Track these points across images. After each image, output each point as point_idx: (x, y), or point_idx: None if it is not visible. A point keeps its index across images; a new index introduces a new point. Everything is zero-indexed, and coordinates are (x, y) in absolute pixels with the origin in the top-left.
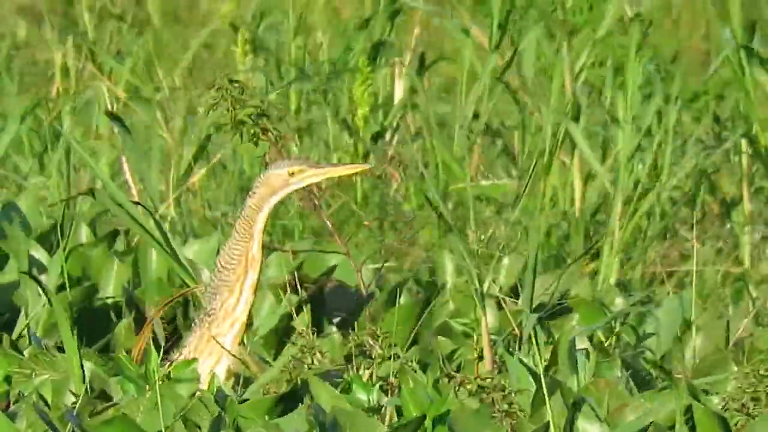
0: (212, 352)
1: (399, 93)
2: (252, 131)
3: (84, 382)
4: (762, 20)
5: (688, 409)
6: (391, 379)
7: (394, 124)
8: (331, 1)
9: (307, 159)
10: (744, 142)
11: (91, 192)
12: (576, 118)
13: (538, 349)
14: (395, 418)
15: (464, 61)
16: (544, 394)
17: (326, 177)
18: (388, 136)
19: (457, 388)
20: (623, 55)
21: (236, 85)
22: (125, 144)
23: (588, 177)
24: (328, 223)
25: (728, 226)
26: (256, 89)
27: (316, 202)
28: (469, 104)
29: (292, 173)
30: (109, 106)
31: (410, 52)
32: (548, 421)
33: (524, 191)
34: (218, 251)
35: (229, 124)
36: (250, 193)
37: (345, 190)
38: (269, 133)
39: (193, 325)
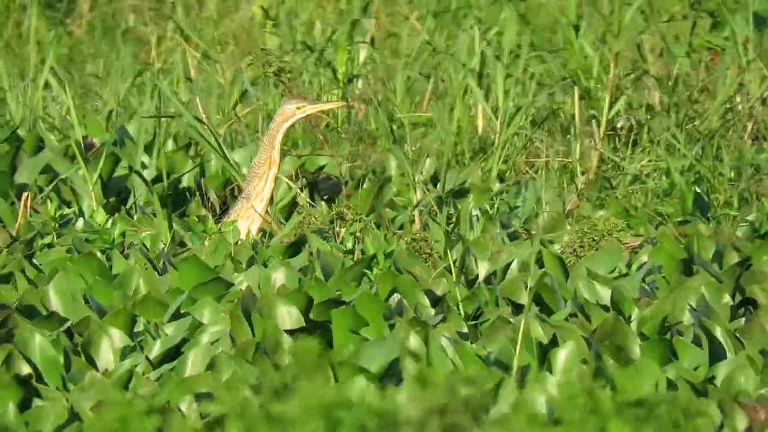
0: (248, 217)
1: (363, 55)
2: (275, 81)
3: (170, 236)
4: None
5: (539, 253)
6: (358, 233)
7: (360, 76)
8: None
9: (306, 98)
10: (576, 90)
11: (175, 115)
12: (479, 75)
13: (447, 216)
14: (360, 256)
15: (404, 38)
16: (451, 243)
17: (319, 110)
18: (360, 82)
19: (398, 239)
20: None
21: (266, 51)
22: (195, 88)
23: (482, 110)
24: (320, 137)
25: (567, 137)
26: (277, 54)
27: (316, 124)
28: (410, 61)
29: (298, 107)
30: (188, 64)
31: (373, 29)
32: (454, 260)
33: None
34: (251, 157)
35: (261, 76)
36: (271, 120)
37: (331, 116)
38: (286, 82)
39: (235, 201)
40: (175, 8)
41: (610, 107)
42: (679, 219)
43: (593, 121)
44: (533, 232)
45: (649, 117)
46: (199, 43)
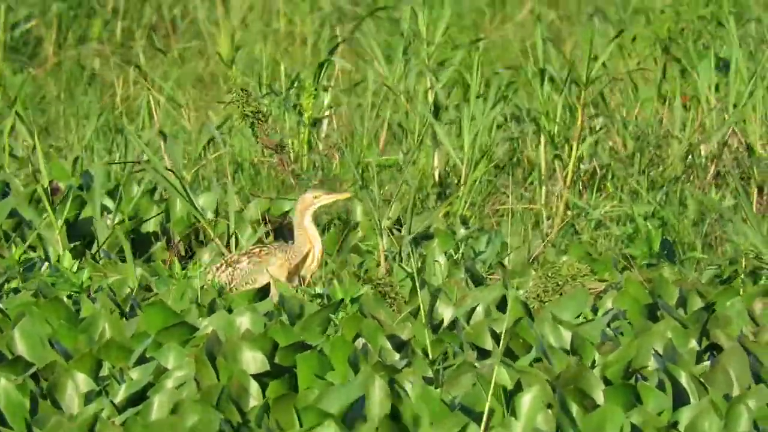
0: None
1: (326, 101)
2: (250, 121)
3: (136, 280)
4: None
5: (504, 297)
6: (325, 278)
7: (326, 120)
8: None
9: (323, 188)
10: (541, 133)
11: (140, 162)
12: (437, 114)
13: (413, 261)
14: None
15: (369, 81)
16: (416, 288)
17: (333, 200)
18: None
19: (364, 283)
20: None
21: (245, 92)
22: (162, 134)
23: (447, 154)
24: (292, 179)
25: (532, 183)
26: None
27: (286, 168)
28: (374, 108)
29: (315, 197)
30: (153, 108)
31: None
32: (419, 305)
33: (406, 163)
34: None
35: (239, 118)
36: (293, 210)
37: (299, 161)
38: (260, 122)
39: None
40: (140, 53)
41: (575, 152)
42: (645, 262)
43: (557, 164)
44: (498, 277)
45: (612, 163)
46: (164, 86)
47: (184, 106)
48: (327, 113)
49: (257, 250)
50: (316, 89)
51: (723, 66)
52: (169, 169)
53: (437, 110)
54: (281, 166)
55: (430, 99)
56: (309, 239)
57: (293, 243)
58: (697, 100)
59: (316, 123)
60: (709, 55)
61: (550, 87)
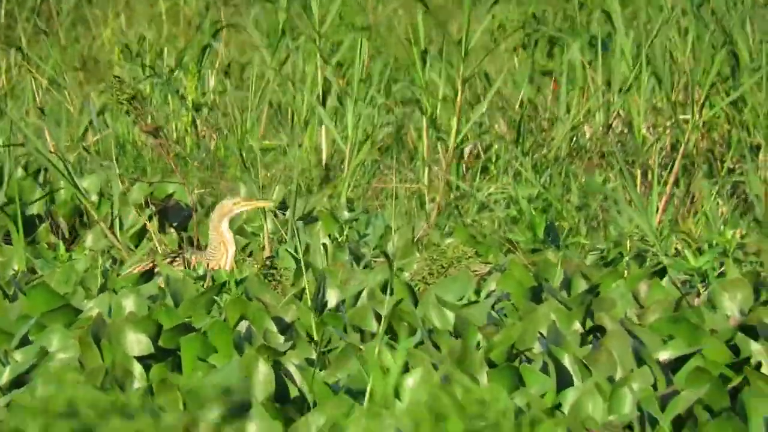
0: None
1: (211, 83)
2: (127, 108)
3: (23, 262)
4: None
5: (388, 280)
6: (201, 257)
7: (210, 103)
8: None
9: (243, 196)
10: (423, 118)
11: (23, 144)
12: (324, 97)
13: (298, 244)
14: (211, 283)
15: (254, 65)
16: (301, 270)
17: (253, 207)
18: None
19: (249, 265)
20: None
21: (118, 79)
22: (47, 117)
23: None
24: (172, 164)
25: (416, 164)
26: (129, 82)
27: (167, 151)
28: (258, 90)
29: (234, 203)
30: (36, 91)
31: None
32: (304, 287)
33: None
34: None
35: (114, 103)
36: (211, 214)
37: (182, 144)
38: (137, 108)
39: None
40: (22, 35)
41: (457, 134)
42: (530, 247)
43: (440, 146)
44: (383, 259)
45: (496, 145)
46: (46, 69)
47: (67, 88)
48: (210, 96)
49: (168, 260)
50: (199, 72)
51: (605, 48)
52: (52, 152)
53: (325, 94)
54: (161, 150)
55: (319, 81)
56: (224, 243)
57: (206, 249)
58: (582, 79)
59: (199, 108)
60: (585, 36)
61: (433, 69)
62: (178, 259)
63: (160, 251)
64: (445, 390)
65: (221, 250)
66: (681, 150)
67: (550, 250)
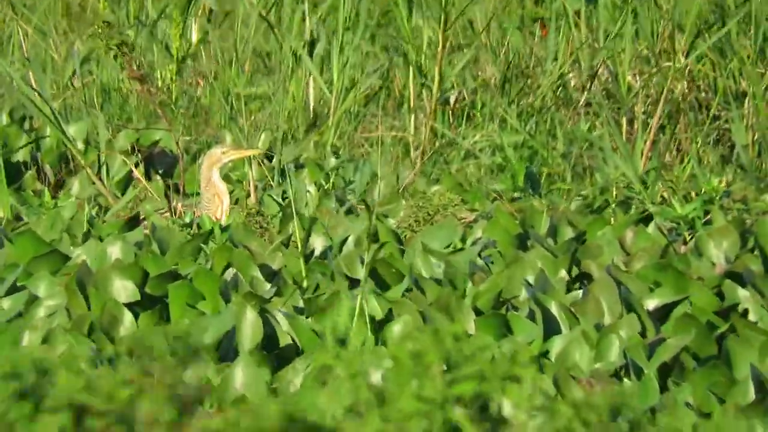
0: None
1: (194, 35)
2: (116, 54)
3: (8, 209)
4: None
5: (375, 228)
6: (195, 208)
7: (195, 51)
8: None
9: (232, 145)
10: (410, 67)
11: (8, 89)
12: (312, 44)
13: (284, 191)
14: (197, 230)
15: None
16: (287, 218)
17: (241, 155)
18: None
19: (235, 212)
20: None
21: (107, 24)
22: (32, 64)
23: (316, 84)
24: (159, 110)
25: (401, 111)
26: (111, 29)
27: (153, 98)
28: (243, 38)
29: (223, 152)
30: (21, 39)
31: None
32: (291, 233)
33: (275, 92)
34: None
35: (102, 49)
36: (200, 164)
37: (165, 92)
38: (125, 54)
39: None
40: None
41: (441, 80)
42: (512, 196)
43: (425, 93)
44: (370, 205)
45: (481, 92)
46: (31, 17)
47: (51, 36)
48: (195, 45)
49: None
50: (184, 21)
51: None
52: (39, 95)
53: (312, 41)
54: (147, 97)
55: (307, 28)
56: (218, 195)
57: (199, 202)
58: (568, 27)
59: (185, 57)
60: None
61: (418, 14)
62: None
63: (147, 199)
64: (431, 337)
65: (216, 202)
66: (663, 95)
67: (532, 197)
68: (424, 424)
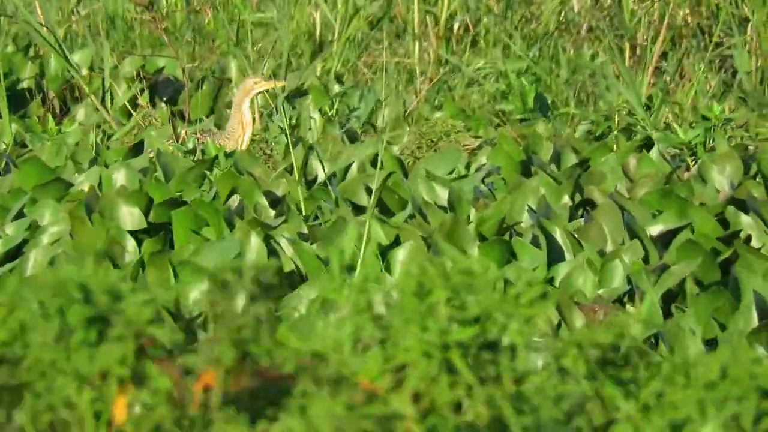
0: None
1: None
2: None
3: (11, 136)
4: None
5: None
6: (198, 134)
7: None
8: None
9: (263, 75)
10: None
11: (13, 16)
12: None
13: (287, 118)
14: (201, 156)
15: None
16: (290, 145)
17: (270, 86)
18: None
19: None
20: None
21: None
22: None
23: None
24: (165, 37)
25: (405, 38)
26: None
27: (159, 25)
28: None
29: (255, 83)
30: None
31: None
32: (292, 162)
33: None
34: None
35: None
36: (233, 95)
37: (170, 18)
38: None
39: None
40: None
41: (447, 6)
42: (520, 117)
43: (429, 20)
44: (377, 132)
45: (485, 19)
46: None
47: None
48: None
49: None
50: None
51: None
52: (43, 24)
53: None
54: (153, 24)
55: None
56: (243, 124)
57: (223, 130)
58: None
59: None
60: None
61: None
62: (199, 136)
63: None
64: (434, 262)
65: (239, 131)
66: (665, 22)
67: (540, 119)
68: (425, 363)
